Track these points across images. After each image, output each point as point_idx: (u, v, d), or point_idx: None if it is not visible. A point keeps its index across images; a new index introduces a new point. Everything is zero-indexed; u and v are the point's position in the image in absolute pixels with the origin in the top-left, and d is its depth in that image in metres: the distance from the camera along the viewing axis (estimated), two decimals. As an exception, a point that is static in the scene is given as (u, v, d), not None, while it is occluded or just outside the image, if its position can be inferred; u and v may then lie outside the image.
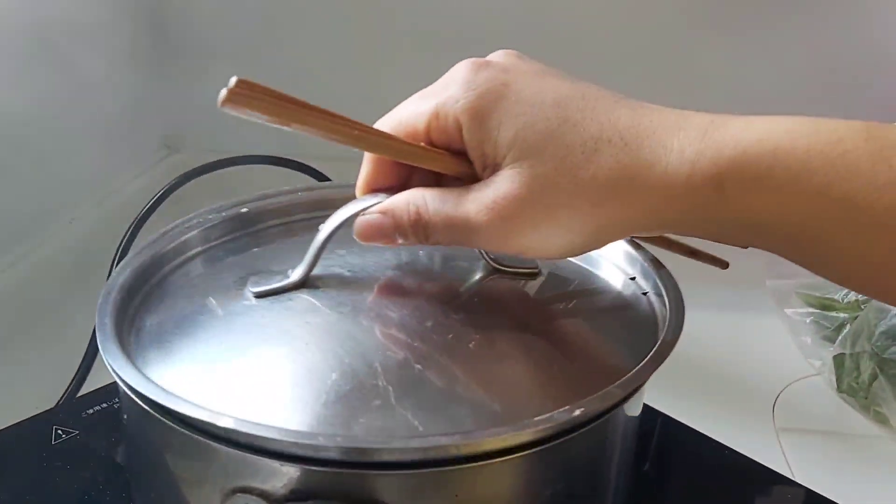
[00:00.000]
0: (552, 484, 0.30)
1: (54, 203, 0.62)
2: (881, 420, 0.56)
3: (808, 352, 0.63)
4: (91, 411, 0.47)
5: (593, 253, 0.41)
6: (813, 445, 0.55)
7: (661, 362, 0.32)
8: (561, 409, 0.28)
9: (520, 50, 0.84)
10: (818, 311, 0.64)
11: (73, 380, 0.52)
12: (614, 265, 0.40)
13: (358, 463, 0.28)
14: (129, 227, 0.57)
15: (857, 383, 0.57)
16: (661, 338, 0.33)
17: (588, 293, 0.38)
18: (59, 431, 0.46)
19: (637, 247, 0.40)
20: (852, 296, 0.62)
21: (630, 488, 0.37)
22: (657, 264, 0.38)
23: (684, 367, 0.62)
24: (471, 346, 0.33)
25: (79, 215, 0.64)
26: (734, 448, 0.49)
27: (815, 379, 0.61)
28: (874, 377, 0.56)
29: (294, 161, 0.64)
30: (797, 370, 0.62)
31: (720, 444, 0.50)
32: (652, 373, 0.31)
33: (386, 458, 0.27)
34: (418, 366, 0.32)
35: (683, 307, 0.35)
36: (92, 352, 0.52)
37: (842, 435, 0.57)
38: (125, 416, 0.34)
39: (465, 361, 0.32)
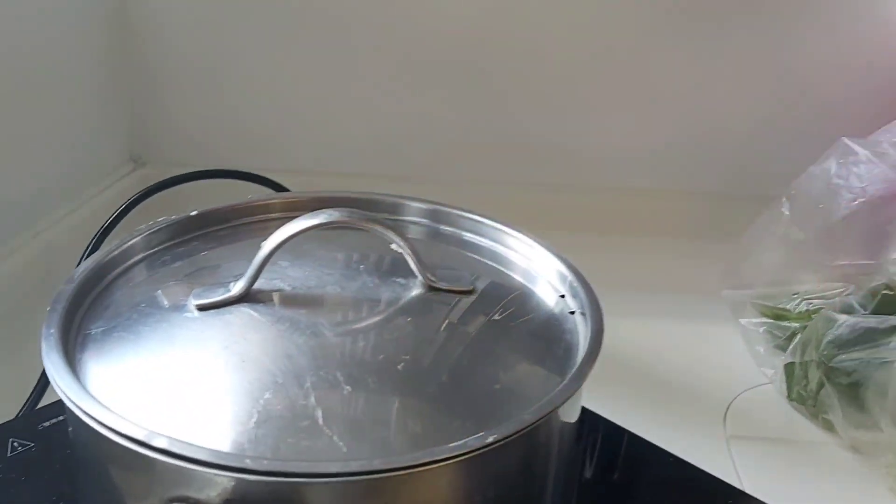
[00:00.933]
0: (481, 491, 0.32)
1: (19, 217, 0.63)
2: (828, 427, 0.57)
3: (761, 361, 0.64)
4: (47, 424, 0.48)
5: (530, 268, 0.43)
6: (762, 453, 0.56)
7: (576, 390, 0.33)
8: (474, 437, 0.30)
9: (484, 61, 0.88)
10: (771, 320, 0.65)
11: (32, 392, 0.53)
12: (548, 282, 0.42)
13: (287, 473, 0.29)
14: (92, 240, 0.58)
15: (806, 391, 0.59)
16: (576, 367, 0.34)
17: (519, 312, 0.40)
18: (15, 444, 0.46)
19: (568, 265, 0.41)
20: (804, 306, 0.63)
21: (568, 496, 0.38)
22: (585, 284, 0.40)
23: (640, 376, 0.64)
24: (399, 367, 0.34)
25: (43, 229, 0.65)
26: (683, 457, 0.51)
27: (767, 387, 0.62)
28: (821, 385, 0.57)
29: (255, 174, 0.65)
30: (751, 379, 0.63)
31: (666, 451, 0.51)
32: (565, 400, 0.32)
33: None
34: (347, 387, 0.33)
35: (602, 333, 0.36)
36: (52, 365, 0.53)
37: (791, 442, 0.58)
38: (70, 428, 0.35)
39: (393, 383, 0.34)
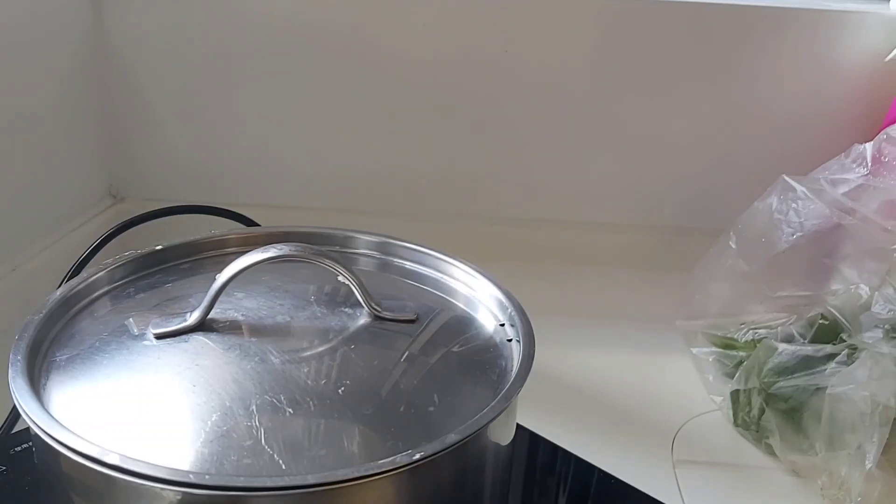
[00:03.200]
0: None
1: (-1, 250, 0.66)
2: (770, 452, 0.60)
3: (710, 388, 0.66)
4: (20, 448, 0.51)
5: (472, 298, 0.46)
6: (707, 477, 0.58)
7: (502, 411, 0.36)
8: (402, 454, 0.32)
9: (454, 101, 0.92)
10: (720, 349, 0.67)
11: (7, 417, 0.55)
12: (489, 310, 0.45)
13: (228, 487, 0.31)
14: (67, 273, 0.61)
15: (750, 417, 0.61)
16: (502, 392, 0.37)
17: (459, 339, 0.42)
18: (-13, 467, 0.49)
19: (507, 295, 0.44)
20: (750, 335, 0.66)
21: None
22: (521, 312, 0.42)
23: (593, 403, 0.66)
24: (340, 391, 0.37)
25: (22, 262, 0.68)
26: (630, 482, 0.53)
27: (715, 414, 0.65)
28: (762, 411, 0.60)
29: (227, 210, 0.68)
30: (700, 406, 0.65)
31: (611, 475, 0.54)
32: (491, 420, 0.35)
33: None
34: (290, 409, 0.36)
35: (532, 359, 0.39)
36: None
37: (735, 466, 0.60)
38: (34, 447, 0.38)
39: (333, 406, 0.36)
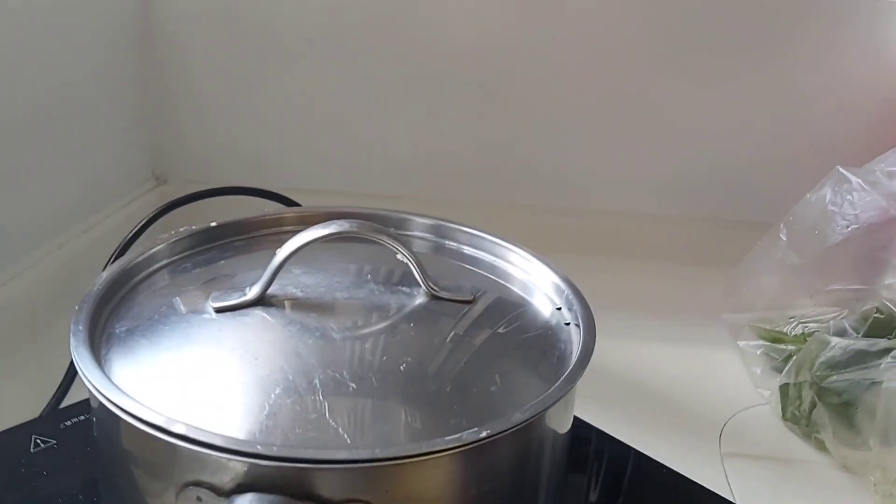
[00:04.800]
0: (475, 485, 0.34)
1: (44, 229, 0.66)
2: (821, 447, 0.59)
3: (758, 382, 0.66)
4: (69, 423, 0.51)
5: (527, 282, 0.45)
6: (755, 470, 0.58)
7: (566, 392, 0.35)
8: (469, 431, 0.32)
9: (495, 86, 0.90)
10: (768, 343, 0.66)
11: (55, 393, 0.55)
12: (545, 294, 0.44)
13: (296, 459, 0.31)
14: (114, 253, 0.61)
15: (800, 411, 0.60)
16: (567, 372, 0.36)
17: (516, 322, 0.42)
18: (38, 440, 0.49)
19: (564, 279, 0.43)
20: (800, 329, 0.65)
21: (560, 499, 0.40)
22: (580, 296, 0.42)
23: (640, 394, 0.66)
24: (402, 368, 0.36)
25: (67, 241, 0.68)
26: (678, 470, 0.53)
27: (763, 408, 0.64)
28: (814, 405, 0.59)
29: (269, 192, 0.68)
30: (747, 399, 0.65)
31: (661, 464, 0.53)
32: (556, 401, 0.35)
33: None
34: (353, 384, 0.35)
35: (594, 342, 0.38)
36: (74, 368, 0.55)
37: (784, 460, 0.59)
38: (94, 419, 0.37)
39: (395, 382, 0.36)
